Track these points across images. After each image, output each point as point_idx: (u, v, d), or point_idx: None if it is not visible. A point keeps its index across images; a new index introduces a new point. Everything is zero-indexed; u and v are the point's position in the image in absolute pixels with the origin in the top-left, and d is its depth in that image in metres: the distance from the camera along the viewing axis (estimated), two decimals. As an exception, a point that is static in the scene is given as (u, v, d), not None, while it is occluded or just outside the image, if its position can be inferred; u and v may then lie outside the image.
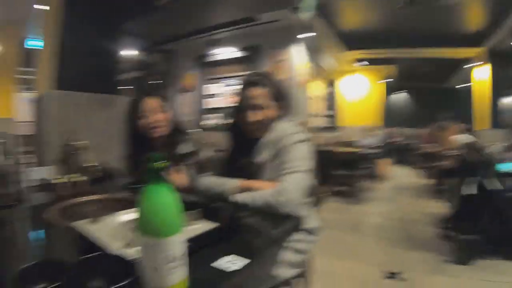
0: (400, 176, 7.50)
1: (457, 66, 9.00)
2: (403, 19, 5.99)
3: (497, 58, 6.73)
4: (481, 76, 7.25)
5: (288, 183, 1.21)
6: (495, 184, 2.68)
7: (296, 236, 1.32)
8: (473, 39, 6.66)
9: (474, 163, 2.79)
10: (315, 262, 1.64)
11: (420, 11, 5.40)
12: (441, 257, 2.79)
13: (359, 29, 6.59)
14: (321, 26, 5.65)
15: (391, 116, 11.24)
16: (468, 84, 10.50)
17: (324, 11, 5.31)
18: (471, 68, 7.87)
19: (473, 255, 2.67)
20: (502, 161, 3.82)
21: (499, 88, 6.81)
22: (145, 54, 5.97)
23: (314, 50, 5.88)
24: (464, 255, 2.69)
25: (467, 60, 7.54)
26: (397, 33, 6.78)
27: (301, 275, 1.44)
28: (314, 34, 5.29)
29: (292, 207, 1.17)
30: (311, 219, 1.43)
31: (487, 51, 6.80)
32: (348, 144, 6.75)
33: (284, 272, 1.30)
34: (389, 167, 7.10)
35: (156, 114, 1.67)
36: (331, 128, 8.25)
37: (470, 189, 2.70)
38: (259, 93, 1.38)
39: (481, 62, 7.20)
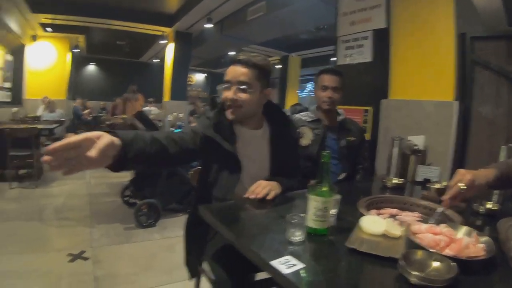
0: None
1: (150, 43, 9.61)
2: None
3: (180, 39, 7.73)
4: (169, 53, 8.03)
5: None
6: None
7: None
8: (165, 19, 7.27)
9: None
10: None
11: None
12: (124, 225, 2.81)
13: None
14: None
15: (78, 89, 10.55)
16: (158, 60, 11.65)
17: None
18: (163, 45, 8.56)
19: (153, 217, 2.87)
20: (179, 127, 4.49)
21: (180, 65, 7.91)
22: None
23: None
24: (145, 218, 2.83)
25: (159, 38, 8.11)
26: (90, 1, 6.28)
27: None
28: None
29: None
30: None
31: (174, 32, 7.61)
32: (31, 120, 5.87)
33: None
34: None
35: None
36: (10, 102, 6.77)
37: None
38: None
39: (167, 41, 8.03)
